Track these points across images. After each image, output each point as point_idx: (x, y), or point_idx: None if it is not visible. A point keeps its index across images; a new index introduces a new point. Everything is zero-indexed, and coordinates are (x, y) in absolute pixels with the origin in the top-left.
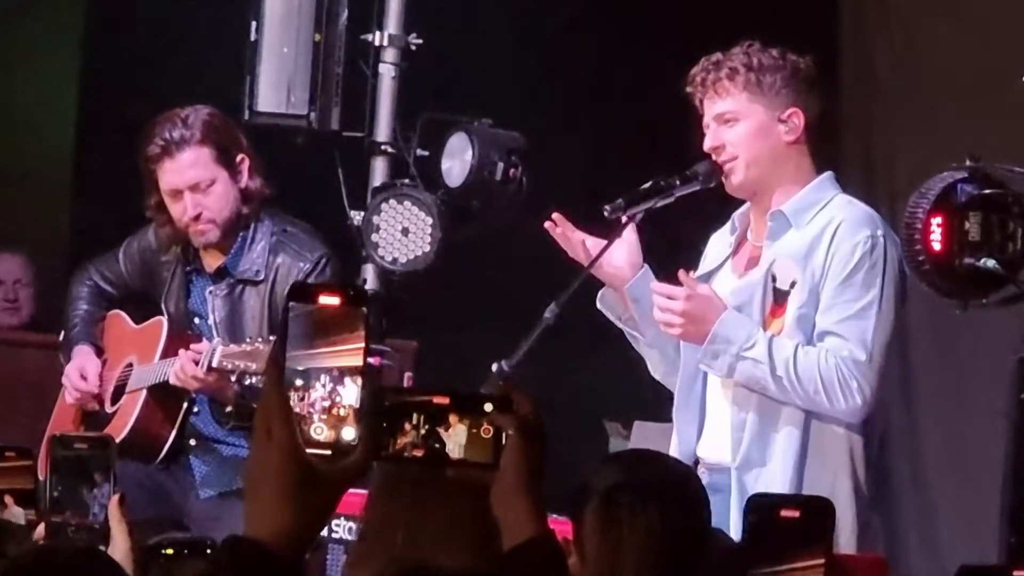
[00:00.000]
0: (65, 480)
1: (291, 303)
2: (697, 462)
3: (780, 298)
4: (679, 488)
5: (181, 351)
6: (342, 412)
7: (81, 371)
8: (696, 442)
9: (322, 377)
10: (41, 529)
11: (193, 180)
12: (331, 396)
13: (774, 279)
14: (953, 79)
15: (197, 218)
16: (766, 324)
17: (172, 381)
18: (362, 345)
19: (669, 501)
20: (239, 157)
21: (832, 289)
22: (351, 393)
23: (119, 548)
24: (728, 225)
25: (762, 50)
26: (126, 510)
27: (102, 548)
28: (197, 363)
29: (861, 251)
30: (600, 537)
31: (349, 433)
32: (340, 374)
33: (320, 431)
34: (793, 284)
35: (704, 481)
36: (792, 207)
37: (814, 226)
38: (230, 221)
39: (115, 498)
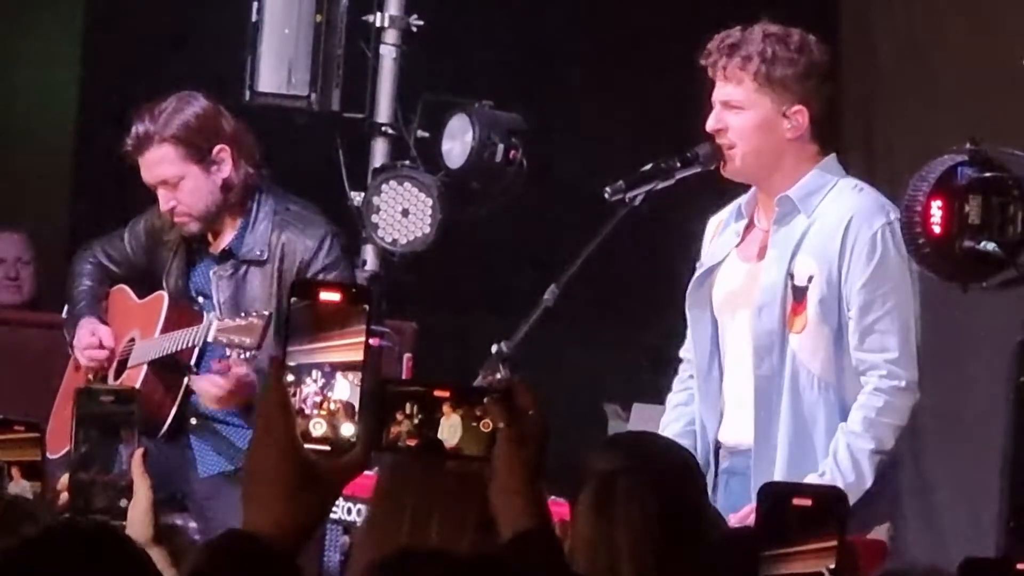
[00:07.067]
0: (92, 435)
1: (292, 298)
2: (719, 447)
3: (799, 295)
4: (675, 473)
5: (196, 381)
6: (332, 407)
7: (92, 332)
8: (717, 429)
9: (314, 373)
10: (64, 480)
11: (160, 177)
12: (323, 392)
13: (792, 277)
14: (955, 62)
15: (172, 211)
16: (789, 323)
17: (207, 403)
18: (361, 340)
19: (665, 486)
20: (217, 149)
21: (864, 283)
22: (343, 389)
23: (140, 503)
24: (732, 213)
25: (781, 39)
26: (148, 465)
27: (124, 503)
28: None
29: (882, 241)
30: (594, 521)
31: (348, 429)
32: (332, 370)
33: (319, 427)
34: (811, 279)
35: (724, 466)
36: (799, 192)
37: (823, 215)
38: (208, 213)
39: (139, 452)
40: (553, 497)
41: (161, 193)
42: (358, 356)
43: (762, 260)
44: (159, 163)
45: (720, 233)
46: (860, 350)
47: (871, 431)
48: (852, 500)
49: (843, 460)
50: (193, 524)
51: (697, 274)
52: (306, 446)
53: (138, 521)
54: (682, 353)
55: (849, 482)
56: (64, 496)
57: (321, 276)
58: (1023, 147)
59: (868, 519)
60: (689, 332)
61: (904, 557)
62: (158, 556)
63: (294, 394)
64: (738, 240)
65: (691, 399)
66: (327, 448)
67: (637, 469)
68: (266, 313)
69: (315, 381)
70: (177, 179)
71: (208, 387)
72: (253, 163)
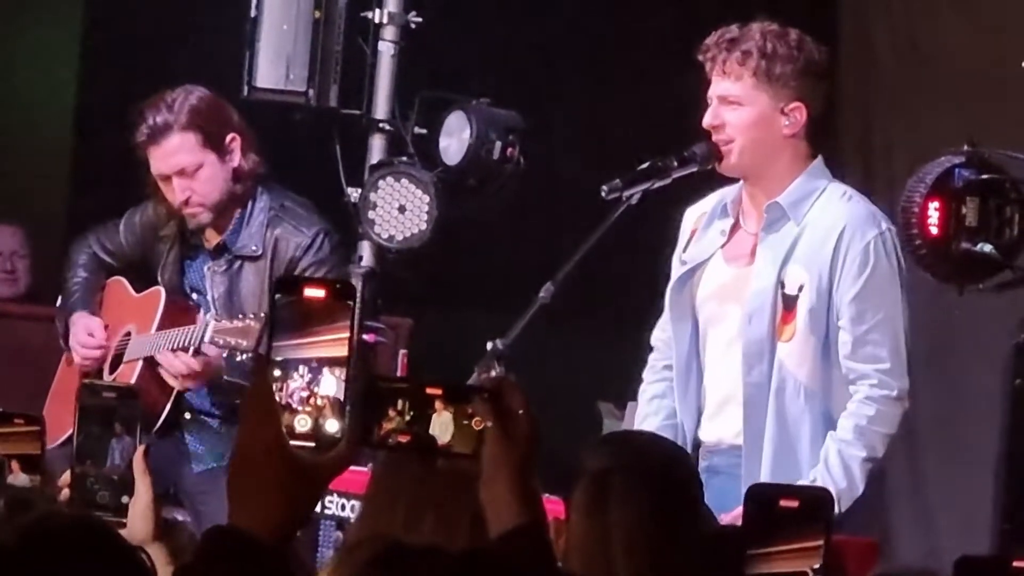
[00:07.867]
0: (89, 429)
1: (277, 295)
2: (698, 446)
3: (789, 304)
4: (670, 471)
5: (165, 354)
6: (319, 402)
7: (88, 330)
8: (695, 427)
9: (300, 368)
10: (67, 476)
11: (179, 166)
12: (309, 387)
13: (782, 286)
14: (953, 64)
15: (187, 202)
16: (778, 331)
17: (171, 383)
18: (346, 336)
19: (659, 484)
20: (229, 137)
21: (855, 295)
22: (329, 384)
23: (141, 499)
24: (716, 208)
25: (780, 35)
26: (150, 463)
27: (125, 499)
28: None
29: (874, 252)
30: (588, 519)
31: (333, 425)
32: (319, 365)
33: (304, 423)
34: (801, 288)
35: (704, 464)
36: (788, 199)
37: (813, 223)
38: (221, 202)
39: (141, 449)
40: (548, 495)
41: (176, 182)
42: (344, 352)
43: (750, 265)
44: (177, 152)
45: (703, 229)
46: (851, 359)
47: (862, 439)
48: (844, 507)
49: (834, 467)
50: (187, 519)
51: (680, 272)
52: (291, 442)
53: (138, 518)
54: (654, 340)
55: (841, 488)
56: (66, 492)
57: (308, 273)
58: (1022, 149)
59: (855, 528)
60: (670, 328)
61: (898, 559)
62: (158, 553)
63: (280, 389)
64: (724, 240)
65: (668, 391)
66: (312, 444)
67: (631, 467)
68: (263, 315)
69: (301, 376)
70: (196, 167)
71: (175, 363)
72: (257, 154)
